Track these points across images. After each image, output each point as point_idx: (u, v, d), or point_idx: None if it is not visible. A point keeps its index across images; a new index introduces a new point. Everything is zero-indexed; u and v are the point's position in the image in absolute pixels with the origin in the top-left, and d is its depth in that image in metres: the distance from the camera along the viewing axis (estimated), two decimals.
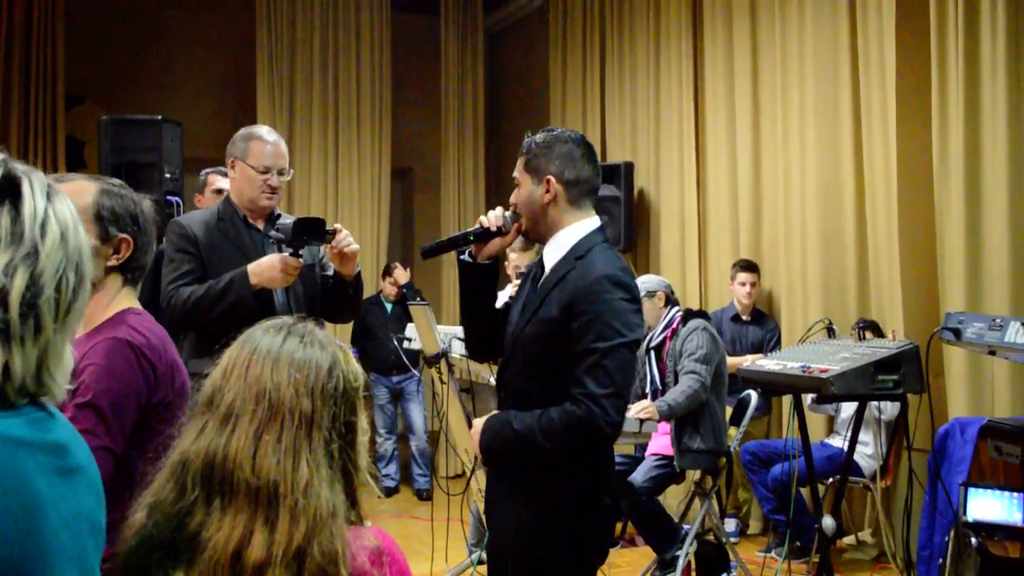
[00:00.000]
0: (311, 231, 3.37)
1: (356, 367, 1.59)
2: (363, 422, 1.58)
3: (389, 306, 7.84)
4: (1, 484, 1.10)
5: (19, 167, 1.23)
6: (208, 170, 4.87)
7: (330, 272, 3.69)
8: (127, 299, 2.22)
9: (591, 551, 2.53)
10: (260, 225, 3.61)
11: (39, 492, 1.13)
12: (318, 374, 1.51)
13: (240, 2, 8.53)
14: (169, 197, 5.56)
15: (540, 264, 2.69)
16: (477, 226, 2.76)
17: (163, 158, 5.66)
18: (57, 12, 7.78)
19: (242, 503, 1.42)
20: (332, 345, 1.58)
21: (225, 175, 4.65)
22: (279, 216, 3.65)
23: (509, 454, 2.53)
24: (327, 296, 3.64)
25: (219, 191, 4.63)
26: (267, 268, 3.37)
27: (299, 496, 1.42)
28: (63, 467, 1.17)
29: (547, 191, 2.59)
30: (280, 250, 3.46)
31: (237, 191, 3.59)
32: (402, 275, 7.82)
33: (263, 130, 3.65)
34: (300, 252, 3.40)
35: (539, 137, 2.65)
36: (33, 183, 1.22)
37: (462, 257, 2.78)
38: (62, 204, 1.25)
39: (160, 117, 5.76)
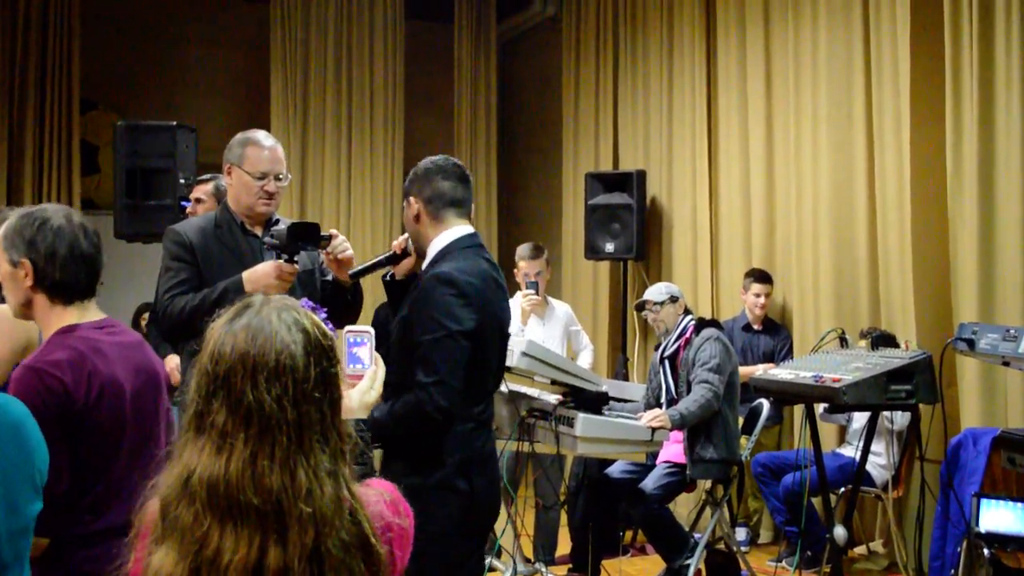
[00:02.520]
0: (305, 236, 3.31)
1: (324, 329, 1.61)
2: (343, 378, 1.64)
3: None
4: None
5: None
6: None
7: (330, 277, 3.62)
8: (64, 316, 2.40)
9: (442, 532, 2.73)
10: (258, 231, 3.54)
11: None
12: (296, 375, 1.52)
13: (254, 9, 8.57)
14: (184, 203, 5.58)
15: None
16: (390, 251, 3.13)
17: (178, 164, 5.70)
18: (73, 18, 7.82)
19: (253, 523, 1.47)
20: (295, 316, 1.58)
21: (207, 182, 4.67)
22: (277, 222, 3.58)
23: (381, 440, 2.85)
24: (327, 302, 3.61)
25: (198, 200, 4.64)
26: (262, 275, 3.30)
27: (302, 505, 1.47)
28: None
29: (411, 209, 2.97)
30: (276, 256, 3.44)
31: (234, 197, 3.52)
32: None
33: (260, 135, 3.57)
34: (295, 258, 3.34)
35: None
36: None
37: (384, 279, 3.17)
38: None
39: (175, 123, 5.79)
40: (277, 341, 1.53)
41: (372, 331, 2.06)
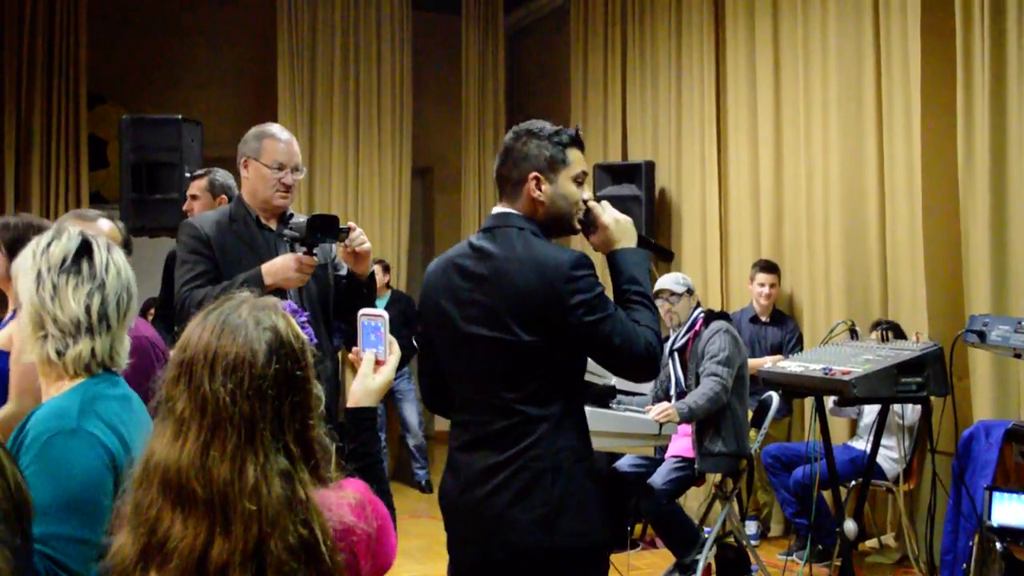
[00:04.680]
0: (325, 228, 3.33)
1: (297, 332, 1.63)
2: (316, 389, 1.64)
3: (382, 303, 7.68)
4: (105, 418, 1.86)
5: (89, 233, 2.01)
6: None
7: (342, 272, 3.65)
8: None
9: None
10: (272, 225, 3.56)
11: (122, 418, 1.87)
12: (253, 370, 1.54)
13: (261, 1, 8.55)
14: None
15: None
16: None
17: (183, 157, 5.68)
18: (80, 12, 7.83)
19: (201, 511, 1.49)
20: (270, 316, 1.60)
21: (202, 177, 4.65)
22: (291, 216, 3.61)
23: None
24: (341, 296, 3.61)
25: (193, 196, 4.63)
26: (281, 268, 3.34)
27: (246, 502, 1.49)
28: (132, 409, 1.92)
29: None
30: (293, 249, 3.44)
31: (250, 191, 3.54)
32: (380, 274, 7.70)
33: (275, 128, 3.61)
34: (314, 250, 3.37)
35: None
36: (99, 243, 2.00)
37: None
38: (117, 253, 2.02)
39: (180, 116, 5.78)
40: (240, 336, 1.56)
41: (386, 315, 2.03)
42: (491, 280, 2.51)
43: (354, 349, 2.05)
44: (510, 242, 2.52)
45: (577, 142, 2.63)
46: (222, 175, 4.72)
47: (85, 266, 1.95)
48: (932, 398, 4.15)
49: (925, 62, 5.20)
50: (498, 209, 2.63)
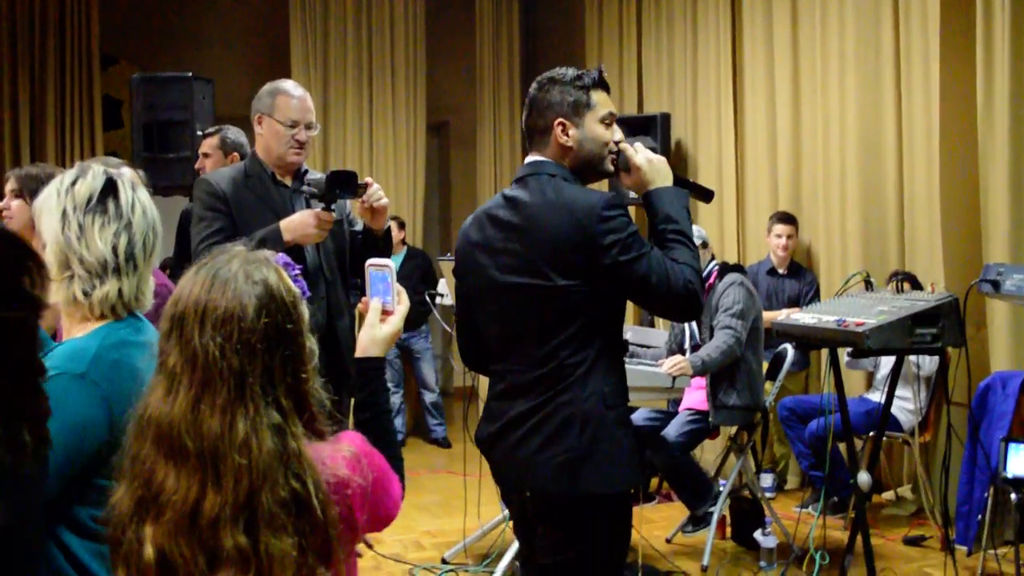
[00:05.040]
0: (344, 184, 3.34)
1: (289, 285, 1.62)
2: (309, 343, 1.63)
3: (397, 260, 7.70)
4: (122, 369, 1.83)
5: (112, 172, 1.97)
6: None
7: (358, 228, 3.66)
8: None
9: None
10: (288, 182, 3.58)
11: (141, 369, 1.76)
12: (242, 324, 1.53)
13: None
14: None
15: None
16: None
17: (195, 115, 5.67)
18: None
19: (193, 465, 1.50)
20: (261, 269, 1.60)
21: (213, 135, 4.64)
22: (307, 172, 3.63)
23: None
24: (356, 252, 3.61)
25: (205, 155, 4.63)
26: (300, 224, 3.35)
27: (235, 455, 1.49)
28: (152, 353, 1.72)
29: None
30: (308, 205, 3.45)
31: (264, 147, 3.55)
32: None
33: (288, 84, 3.60)
34: (332, 206, 3.38)
35: None
36: (124, 181, 1.96)
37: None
38: (142, 191, 1.99)
39: (191, 74, 5.76)
40: (230, 290, 1.55)
41: (392, 264, 2.03)
42: (524, 228, 2.50)
43: (363, 299, 2.05)
44: (541, 189, 2.51)
45: (601, 83, 2.61)
46: (234, 132, 4.71)
47: (111, 205, 1.92)
48: (948, 349, 4.11)
49: (944, 10, 5.11)
50: (529, 158, 2.63)
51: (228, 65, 8.18)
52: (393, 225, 7.59)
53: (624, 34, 7.88)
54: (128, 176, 2.05)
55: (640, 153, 2.59)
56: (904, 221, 5.50)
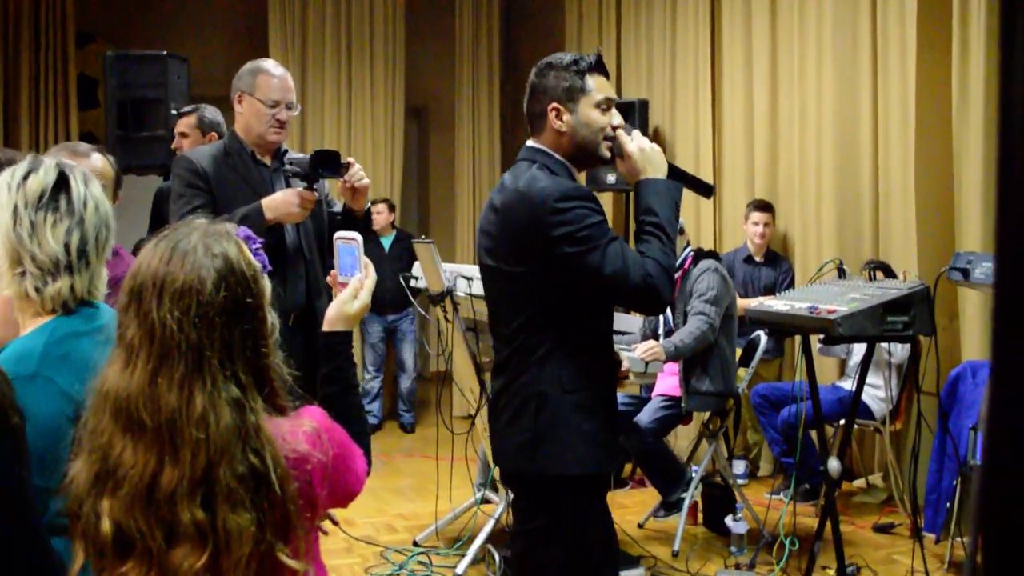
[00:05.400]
0: (327, 164, 3.36)
1: (249, 259, 1.61)
2: (271, 316, 1.62)
3: (387, 242, 7.69)
4: (73, 361, 1.79)
5: (66, 164, 1.94)
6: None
7: (336, 209, 3.67)
8: None
9: None
10: (267, 161, 3.58)
11: (92, 357, 1.73)
12: (200, 297, 1.52)
13: None
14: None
15: None
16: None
17: (169, 94, 5.61)
18: None
19: (150, 439, 1.49)
20: (221, 243, 1.58)
21: (190, 114, 4.61)
22: (286, 152, 3.64)
23: None
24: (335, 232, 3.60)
25: (182, 134, 4.59)
26: (283, 203, 3.36)
27: (193, 429, 1.47)
28: (106, 338, 1.74)
29: None
30: (288, 184, 3.46)
31: (244, 126, 3.54)
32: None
33: (269, 63, 3.61)
34: (315, 186, 3.39)
35: None
36: (76, 175, 1.92)
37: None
38: (94, 185, 1.95)
39: (165, 52, 5.70)
40: (188, 262, 1.53)
41: (360, 237, 2.03)
42: (499, 212, 2.58)
43: (332, 272, 2.05)
44: (518, 175, 2.57)
45: (599, 68, 2.62)
46: (211, 111, 4.67)
47: (63, 201, 1.88)
48: (920, 337, 4.13)
49: (921, 1, 5.11)
50: (527, 144, 2.66)
51: (206, 44, 8.11)
52: (383, 207, 7.64)
53: (604, 20, 7.85)
54: (98, 170, 2.04)
55: (634, 141, 2.60)
56: (879, 210, 5.52)
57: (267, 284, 1.64)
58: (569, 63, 2.58)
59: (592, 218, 2.46)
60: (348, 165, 3.39)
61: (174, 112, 5.49)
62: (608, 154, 2.62)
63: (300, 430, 1.59)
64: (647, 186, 2.58)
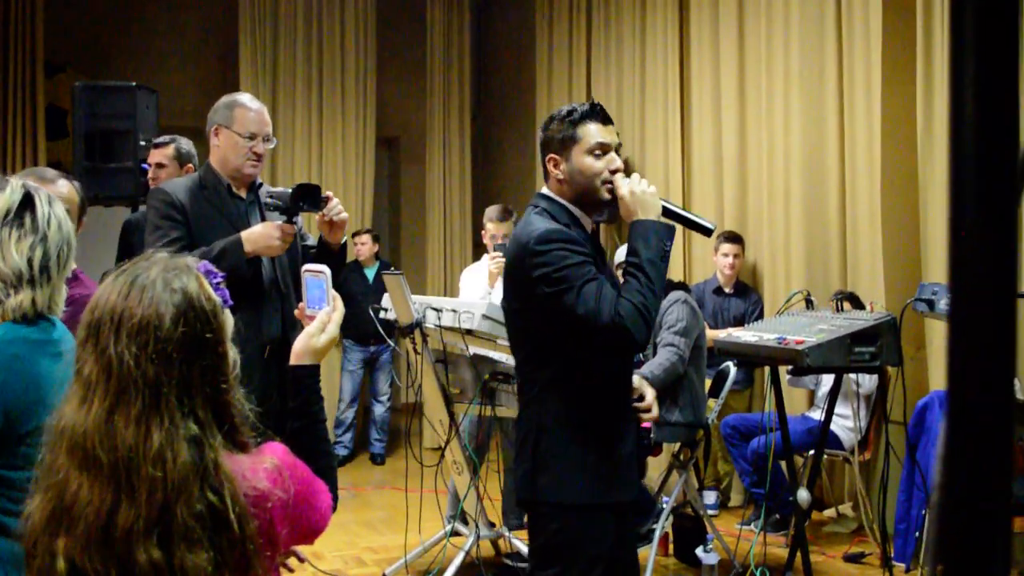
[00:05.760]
0: (308, 198, 3.37)
1: (209, 293, 1.59)
2: (230, 352, 1.61)
3: (371, 273, 7.69)
4: (23, 366, 1.92)
5: (31, 186, 2.05)
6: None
7: (309, 242, 3.69)
8: None
9: None
10: (243, 194, 3.58)
11: (43, 368, 1.93)
12: (158, 333, 1.50)
13: None
14: (145, 165, 5.48)
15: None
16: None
17: (138, 126, 5.58)
18: None
19: (107, 476, 1.47)
20: (181, 277, 1.56)
21: (166, 145, 4.60)
22: (260, 185, 3.65)
23: None
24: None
25: (160, 164, 4.57)
26: (262, 236, 3.36)
27: (149, 467, 1.45)
28: (56, 352, 1.97)
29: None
30: (264, 217, 3.46)
31: (221, 159, 3.55)
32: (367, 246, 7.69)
33: (246, 97, 3.64)
34: (294, 219, 3.40)
35: None
36: (41, 196, 2.03)
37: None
38: (58, 206, 2.06)
39: (134, 84, 5.68)
40: (146, 298, 1.52)
41: (328, 270, 2.04)
42: (506, 253, 2.81)
43: (300, 305, 2.05)
44: (523, 219, 2.74)
45: (593, 115, 2.72)
46: (186, 143, 4.67)
47: (28, 219, 1.98)
48: (887, 368, 4.16)
49: (886, 34, 5.20)
50: (538, 190, 2.85)
51: (176, 76, 8.10)
52: (367, 238, 7.67)
53: (574, 52, 7.92)
54: (64, 196, 2.13)
55: (625, 184, 2.69)
56: (847, 241, 5.57)
57: (228, 319, 1.62)
58: (564, 115, 2.73)
59: (570, 259, 2.56)
60: (327, 199, 3.41)
61: (143, 144, 5.47)
62: (608, 196, 2.71)
63: (261, 467, 1.56)
64: (634, 228, 2.66)
